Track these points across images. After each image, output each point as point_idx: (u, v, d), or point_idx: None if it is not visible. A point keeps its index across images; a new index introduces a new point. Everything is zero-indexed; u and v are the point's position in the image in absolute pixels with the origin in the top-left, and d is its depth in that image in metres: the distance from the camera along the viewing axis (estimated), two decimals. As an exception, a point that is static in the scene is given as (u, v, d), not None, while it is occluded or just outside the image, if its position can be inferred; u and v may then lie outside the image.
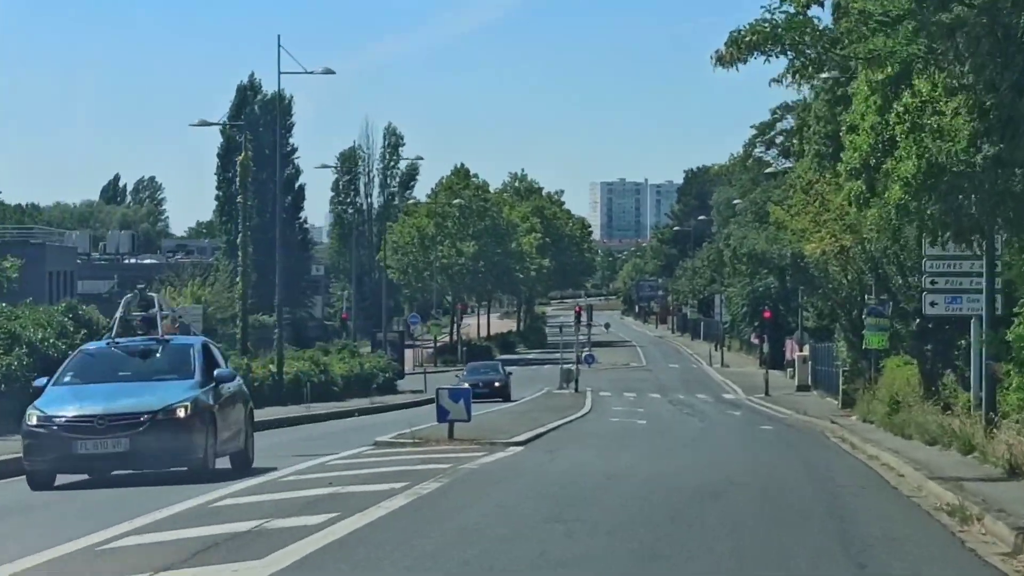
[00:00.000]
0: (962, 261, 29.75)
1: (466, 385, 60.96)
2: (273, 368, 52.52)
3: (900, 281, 36.69)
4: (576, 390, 68.89)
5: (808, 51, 21.93)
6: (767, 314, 76.26)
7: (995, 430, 24.54)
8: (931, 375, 35.51)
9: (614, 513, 15.83)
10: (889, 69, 21.94)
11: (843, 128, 31.54)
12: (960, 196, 21.63)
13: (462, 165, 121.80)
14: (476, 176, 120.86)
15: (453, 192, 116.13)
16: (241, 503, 16.27)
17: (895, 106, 22.55)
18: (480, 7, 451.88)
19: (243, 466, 21.63)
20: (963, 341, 34.76)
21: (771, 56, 21.35)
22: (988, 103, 18.94)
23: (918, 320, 35.57)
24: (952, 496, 17.86)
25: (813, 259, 48.57)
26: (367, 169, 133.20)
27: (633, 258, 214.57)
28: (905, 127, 22.36)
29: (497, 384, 63.68)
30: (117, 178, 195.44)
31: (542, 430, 34.03)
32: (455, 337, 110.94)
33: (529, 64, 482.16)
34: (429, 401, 46.25)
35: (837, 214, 43.19)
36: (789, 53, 21.70)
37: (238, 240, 64.40)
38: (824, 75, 49.18)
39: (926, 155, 21.84)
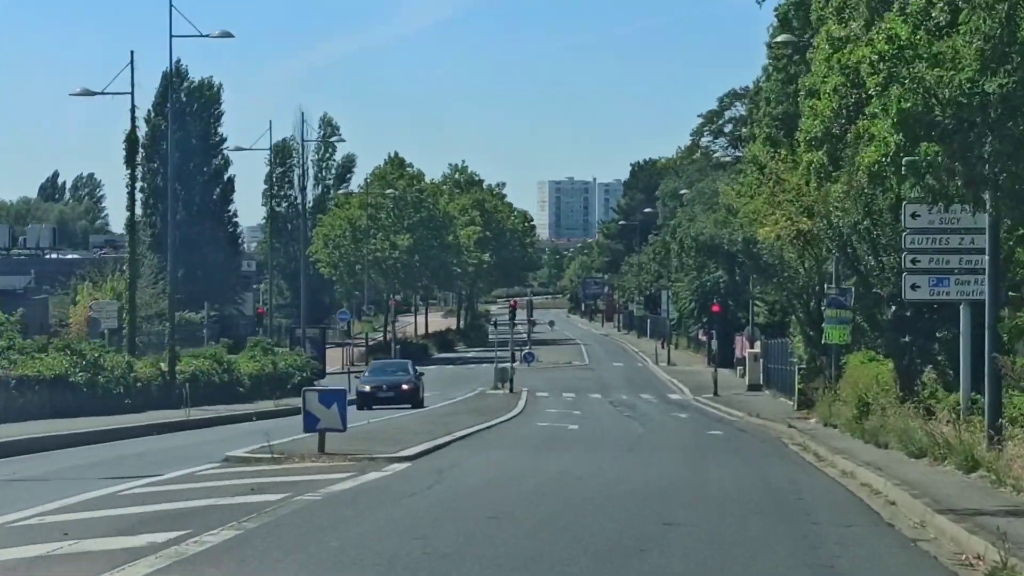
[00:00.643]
0: (950, 236, 24.76)
1: (367, 388, 54.55)
2: (164, 367, 46.98)
3: (872, 262, 31.22)
4: (511, 390, 63.95)
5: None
6: (716, 308, 71.37)
7: (1004, 441, 19.79)
8: (909, 372, 30.24)
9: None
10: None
11: (801, 93, 27.97)
12: (969, 137, 17.04)
13: (396, 154, 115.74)
14: (411, 166, 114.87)
15: (387, 182, 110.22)
16: None
17: (868, 54, 18.13)
18: (428, 6, 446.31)
19: None
20: (946, 332, 29.65)
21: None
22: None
23: (894, 308, 30.22)
24: (982, 544, 12.48)
25: (767, 244, 44.20)
26: (301, 161, 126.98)
27: (580, 255, 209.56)
28: (880, 79, 17.87)
29: (405, 387, 53.12)
30: (56, 175, 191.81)
31: (447, 439, 28.38)
32: (389, 335, 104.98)
33: (476, 65, 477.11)
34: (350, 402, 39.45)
35: (793, 195, 39.29)
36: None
37: (124, 225, 59.19)
38: (780, 38, 44.65)
39: (922, 88, 17.36)
